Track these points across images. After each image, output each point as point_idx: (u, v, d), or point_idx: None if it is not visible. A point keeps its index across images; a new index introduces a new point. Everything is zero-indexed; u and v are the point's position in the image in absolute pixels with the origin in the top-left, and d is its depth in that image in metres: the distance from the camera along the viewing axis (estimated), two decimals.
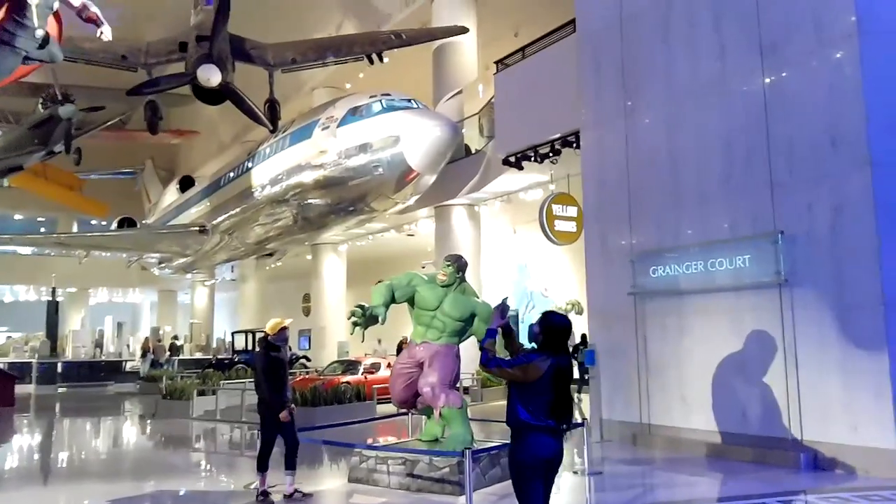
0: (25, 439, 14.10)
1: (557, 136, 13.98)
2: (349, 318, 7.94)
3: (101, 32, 6.41)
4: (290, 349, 25.92)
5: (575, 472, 8.82)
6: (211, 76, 15.12)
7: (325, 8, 23.30)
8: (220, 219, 23.73)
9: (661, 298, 10.53)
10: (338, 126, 17.71)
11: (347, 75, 22.89)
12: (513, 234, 22.11)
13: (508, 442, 4.69)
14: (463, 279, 8.49)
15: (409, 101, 17.30)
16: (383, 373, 15.94)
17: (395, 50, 21.32)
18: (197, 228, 24.79)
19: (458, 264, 8.42)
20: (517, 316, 24.31)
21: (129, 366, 26.26)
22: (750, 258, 9.33)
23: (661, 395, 10.45)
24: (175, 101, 26.11)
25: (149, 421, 15.84)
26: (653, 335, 10.63)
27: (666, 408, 10.36)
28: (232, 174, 23.06)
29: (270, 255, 25.79)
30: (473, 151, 18.85)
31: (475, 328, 8.22)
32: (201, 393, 15.32)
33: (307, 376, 16.60)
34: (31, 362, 24.30)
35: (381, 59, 18.60)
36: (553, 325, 4.61)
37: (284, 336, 7.84)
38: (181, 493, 8.66)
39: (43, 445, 13.44)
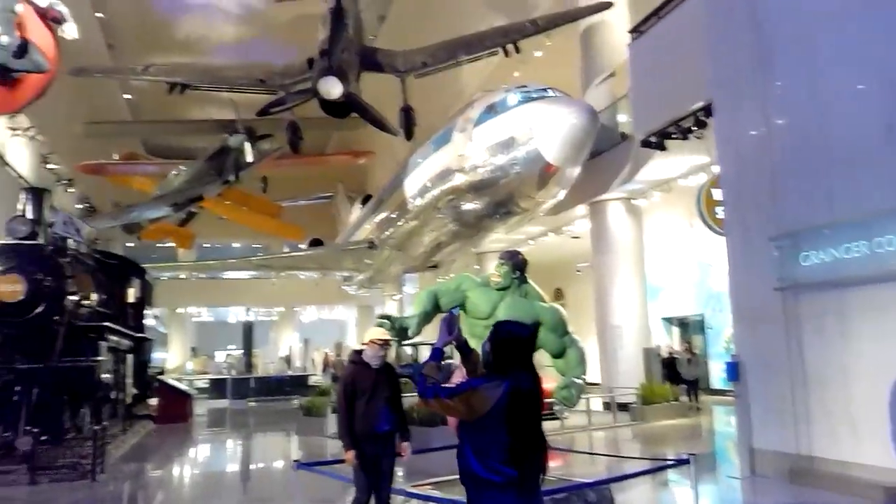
0: (169, 456, 14.58)
1: (700, 104, 11.74)
2: None
3: (63, 30, 6.03)
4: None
5: None
6: (331, 88, 14.98)
7: (470, 8, 22.63)
8: (385, 232, 23.86)
9: (817, 292, 8.11)
10: (474, 126, 16.76)
11: (503, 76, 21.88)
12: (689, 228, 19.44)
13: None
14: (523, 280, 6.95)
15: (545, 89, 15.81)
16: None
17: (548, 43, 20.05)
18: (367, 244, 25.21)
19: (514, 262, 6.86)
20: (702, 321, 21.46)
21: (312, 380, 27.29)
22: None
23: (823, 419, 8.01)
24: (352, 125, 26.96)
25: (288, 438, 15.85)
26: (809, 341, 8.22)
27: (831, 435, 7.91)
28: (390, 187, 23.09)
29: (436, 266, 25.45)
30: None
31: (542, 340, 6.62)
32: (335, 410, 14.98)
33: None
34: (225, 378, 26.14)
35: (517, 49, 17.36)
36: (503, 337, 3.38)
37: (370, 354, 5.89)
38: None
39: (173, 461, 13.93)
